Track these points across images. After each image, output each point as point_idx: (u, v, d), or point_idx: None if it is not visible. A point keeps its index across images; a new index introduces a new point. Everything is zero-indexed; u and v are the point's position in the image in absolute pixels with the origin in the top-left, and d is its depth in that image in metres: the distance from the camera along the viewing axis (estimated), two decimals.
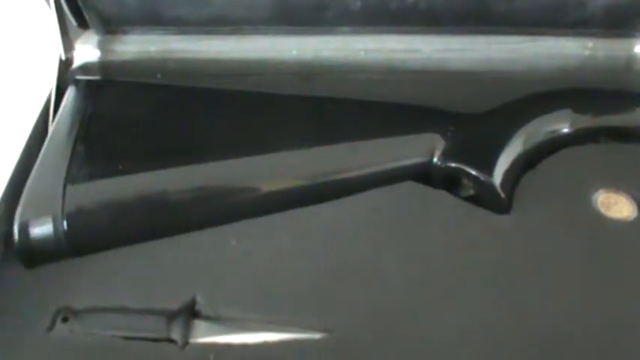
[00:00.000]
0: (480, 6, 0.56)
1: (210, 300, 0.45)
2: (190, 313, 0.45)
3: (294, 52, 0.59)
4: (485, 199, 0.50)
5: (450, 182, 0.52)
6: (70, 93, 0.55)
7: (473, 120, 0.54)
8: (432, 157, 0.51)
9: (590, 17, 0.57)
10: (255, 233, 0.48)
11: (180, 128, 0.53)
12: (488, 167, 0.50)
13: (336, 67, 0.59)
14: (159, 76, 0.58)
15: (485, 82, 0.58)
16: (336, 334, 0.43)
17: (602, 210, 0.51)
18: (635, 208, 0.51)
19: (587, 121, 0.55)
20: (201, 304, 0.45)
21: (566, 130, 0.54)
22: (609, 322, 0.44)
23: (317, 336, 0.43)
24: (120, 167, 0.50)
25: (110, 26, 0.59)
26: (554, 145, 0.53)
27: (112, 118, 0.54)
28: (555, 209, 0.50)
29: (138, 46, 0.59)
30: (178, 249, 0.47)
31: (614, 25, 0.58)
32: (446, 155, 0.51)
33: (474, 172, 0.50)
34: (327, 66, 0.59)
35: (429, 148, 0.52)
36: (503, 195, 0.50)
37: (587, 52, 0.60)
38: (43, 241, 0.46)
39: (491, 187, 0.50)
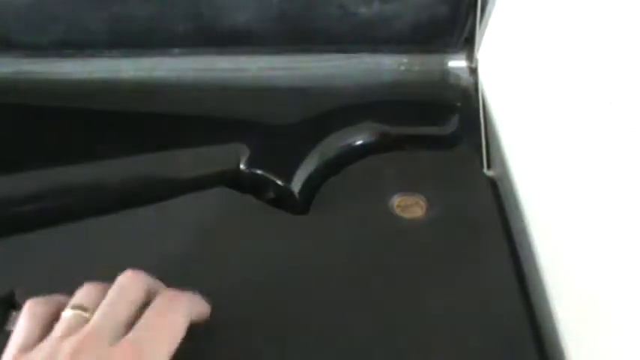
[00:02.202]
0: (294, 27, 0.66)
1: (29, 292, 0.55)
2: (8, 303, 0.55)
3: (132, 73, 0.70)
4: (284, 202, 0.60)
5: (255, 187, 0.62)
6: None
7: (281, 132, 0.64)
8: (239, 165, 0.62)
9: (400, 35, 0.67)
10: (76, 236, 0.58)
11: (23, 142, 0.65)
12: (287, 174, 0.61)
13: (169, 85, 0.70)
14: (11, 95, 0.70)
15: (305, 97, 0.68)
16: None
17: (398, 212, 0.60)
18: (428, 208, 0.61)
19: (391, 130, 0.65)
20: (20, 296, 0.55)
21: (369, 140, 0.64)
22: (390, 312, 0.53)
23: None
24: None
25: None
26: (359, 153, 0.63)
27: None
28: (351, 211, 0.60)
29: None
30: (6, 249, 0.57)
31: (425, 42, 0.68)
32: (251, 162, 0.62)
33: (272, 178, 0.60)
34: (161, 85, 0.70)
35: (237, 156, 0.62)
36: (299, 199, 0.60)
37: (402, 68, 0.70)
38: None
39: (289, 191, 0.60)
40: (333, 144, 0.63)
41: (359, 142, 0.64)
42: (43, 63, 0.70)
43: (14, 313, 0.55)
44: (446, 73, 0.70)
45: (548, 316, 0.52)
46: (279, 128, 0.65)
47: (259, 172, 0.61)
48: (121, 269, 0.56)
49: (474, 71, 0.68)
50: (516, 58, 0.70)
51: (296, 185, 0.61)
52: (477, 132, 0.65)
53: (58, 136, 0.66)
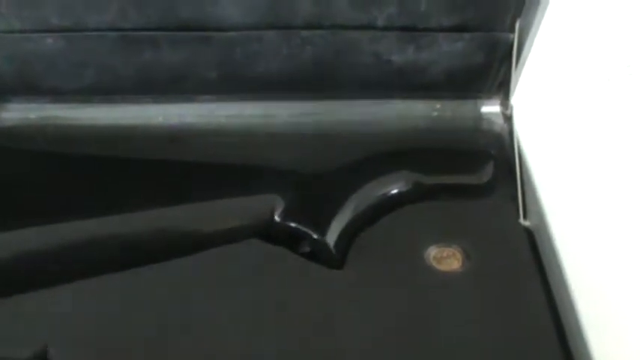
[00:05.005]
0: (327, 74, 0.67)
1: (61, 349, 0.54)
2: None
3: (160, 119, 0.71)
4: (319, 255, 0.61)
5: (290, 239, 0.62)
6: None
7: (315, 181, 0.65)
8: (273, 217, 0.62)
9: (433, 82, 0.68)
10: (108, 288, 0.58)
11: (50, 191, 0.65)
12: (323, 227, 0.61)
13: (199, 132, 0.71)
14: (38, 141, 0.70)
15: (337, 144, 0.69)
16: None
17: (434, 264, 0.60)
18: (464, 260, 0.61)
19: (425, 179, 0.65)
20: (52, 353, 0.54)
21: (404, 190, 0.64)
22: None
23: None
24: None
25: None
26: (394, 203, 0.64)
27: None
28: (388, 264, 0.60)
29: (18, 114, 0.71)
30: (35, 303, 0.57)
31: (458, 88, 0.70)
32: (286, 215, 0.62)
33: (307, 231, 0.61)
34: (191, 131, 0.71)
35: (271, 207, 0.62)
36: (334, 252, 0.60)
37: (435, 114, 0.71)
38: None
39: (324, 244, 0.60)
40: (368, 194, 0.64)
41: (393, 192, 0.64)
42: (70, 109, 0.71)
43: None
44: (479, 118, 0.71)
45: None
46: (312, 178, 0.65)
47: (294, 224, 0.62)
48: (152, 323, 0.57)
49: (508, 118, 0.69)
50: (552, 104, 0.70)
51: (331, 238, 0.61)
52: (511, 180, 0.66)
53: (84, 184, 0.66)
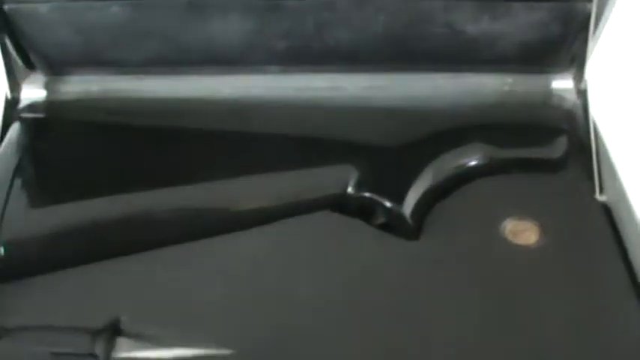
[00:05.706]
0: (399, 45, 0.66)
1: (133, 319, 0.54)
2: (114, 330, 0.54)
3: (227, 91, 0.70)
4: (395, 227, 0.60)
5: (364, 211, 0.61)
6: (13, 130, 0.66)
7: (388, 153, 0.64)
8: (347, 188, 0.61)
9: (506, 55, 0.67)
10: (179, 259, 0.58)
11: (114, 163, 0.64)
12: (398, 197, 0.60)
13: (266, 104, 0.69)
14: (100, 114, 0.69)
15: (407, 117, 0.68)
16: (245, 351, 0.52)
17: (510, 237, 0.59)
18: (541, 235, 0.60)
19: (499, 153, 0.64)
20: (125, 323, 0.54)
21: (478, 163, 0.63)
22: (510, 346, 0.52)
23: (227, 352, 0.53)
24: (55, 198, 0.60)
25: (55, 68, 0.70)
26: (467, 176, 0.63)
27: (51, 154, 0.65)
28: (464, 237, 0.59)
29: (80, 86, 0.70)
30: (107, 273, 0.56)
31: (530, 62, 0.68)
32: (360, 186, 0.61)
33: (383, 201, 0.60)
34: (258, 103, 0.69)
35: (345, 179, 0.61)
36: (411, 223, 0.59)
37: (506, 88, 0.70)
38: None
39: (400, 216, 0.59)
40: (442, 166, 0.63)
41: (469, 165, 0.63)
42: (132, 80, 0.70)
43: (121, 340, 0.54)
44: (550, 94, 0.70)
45: None
46: (385, 150, 0.64)
47: (368, 195, 0.60)
48: (223, 293, 0.56)
49: (582, 92, 0.67)
50: (628, 78, 0.69)
51: (407, 208, 0.60)
52: (584, 156, 0.64)
53: (148, 156, 0.65)
